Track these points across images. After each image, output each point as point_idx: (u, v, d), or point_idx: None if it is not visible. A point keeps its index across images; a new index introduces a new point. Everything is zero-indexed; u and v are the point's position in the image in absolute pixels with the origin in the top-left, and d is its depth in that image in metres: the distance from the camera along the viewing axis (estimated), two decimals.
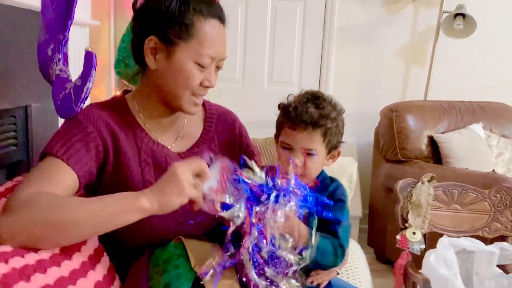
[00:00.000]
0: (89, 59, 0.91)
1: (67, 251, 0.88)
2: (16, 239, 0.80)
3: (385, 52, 3.17)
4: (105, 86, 2.14)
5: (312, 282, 1.08)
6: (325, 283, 1.12)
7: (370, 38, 3.16)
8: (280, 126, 1.11)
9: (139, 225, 1.01)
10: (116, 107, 1.08)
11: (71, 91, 0.91)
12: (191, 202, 0.91)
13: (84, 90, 0.89)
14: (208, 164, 0.94)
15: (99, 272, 0.94)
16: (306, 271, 1.06)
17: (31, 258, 0.78)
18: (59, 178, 0.93)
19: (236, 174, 0.95)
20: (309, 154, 1.06)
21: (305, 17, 3.17)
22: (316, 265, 1.03)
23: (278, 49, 3.22)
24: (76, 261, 0.88)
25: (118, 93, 1.32)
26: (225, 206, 0.92)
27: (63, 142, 0.96)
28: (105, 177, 1.04)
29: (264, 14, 3.17)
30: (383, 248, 2.73)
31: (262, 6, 3.16)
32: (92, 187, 1.04)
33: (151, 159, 1.07)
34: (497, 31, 3.09)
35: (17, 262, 0.75)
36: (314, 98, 1.08)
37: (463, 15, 2.87)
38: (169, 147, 1.12)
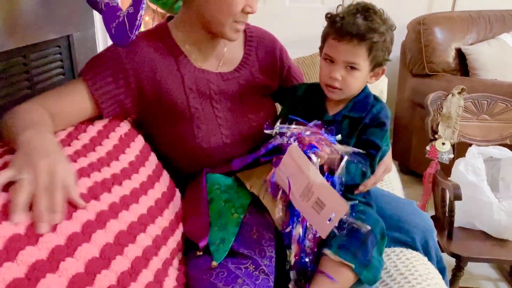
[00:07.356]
0: None
1: (134, 166, 0.97)
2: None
3: None
4: None
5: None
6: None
7: None
8: (325, 37, 1.06)
9: (190, 149, 1.11)
10: (159, 35, 1.11)
11: (125, 19, 0.94)
12: None
13: (138, 18, 0.92)
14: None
15: (163, 184, 1.05)
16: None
17: (107, 173, 0.89)
18: (71, 98, 0.99)
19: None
20: (351, 68, 1.02)
21: None
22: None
23: None
24: (143, 175, 0.98)
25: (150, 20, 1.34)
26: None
27: (95, 69, 1.02)
28: (149, 108, 1.09)
29: None
30: (407, 160, 2.82)
31: None
32: (147, 117, 1.11)
33: (195, 86, 1.11)
34: None
35: (97, 177, 0.85)
36: (364, 10, 1.01)
37: None
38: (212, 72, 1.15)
